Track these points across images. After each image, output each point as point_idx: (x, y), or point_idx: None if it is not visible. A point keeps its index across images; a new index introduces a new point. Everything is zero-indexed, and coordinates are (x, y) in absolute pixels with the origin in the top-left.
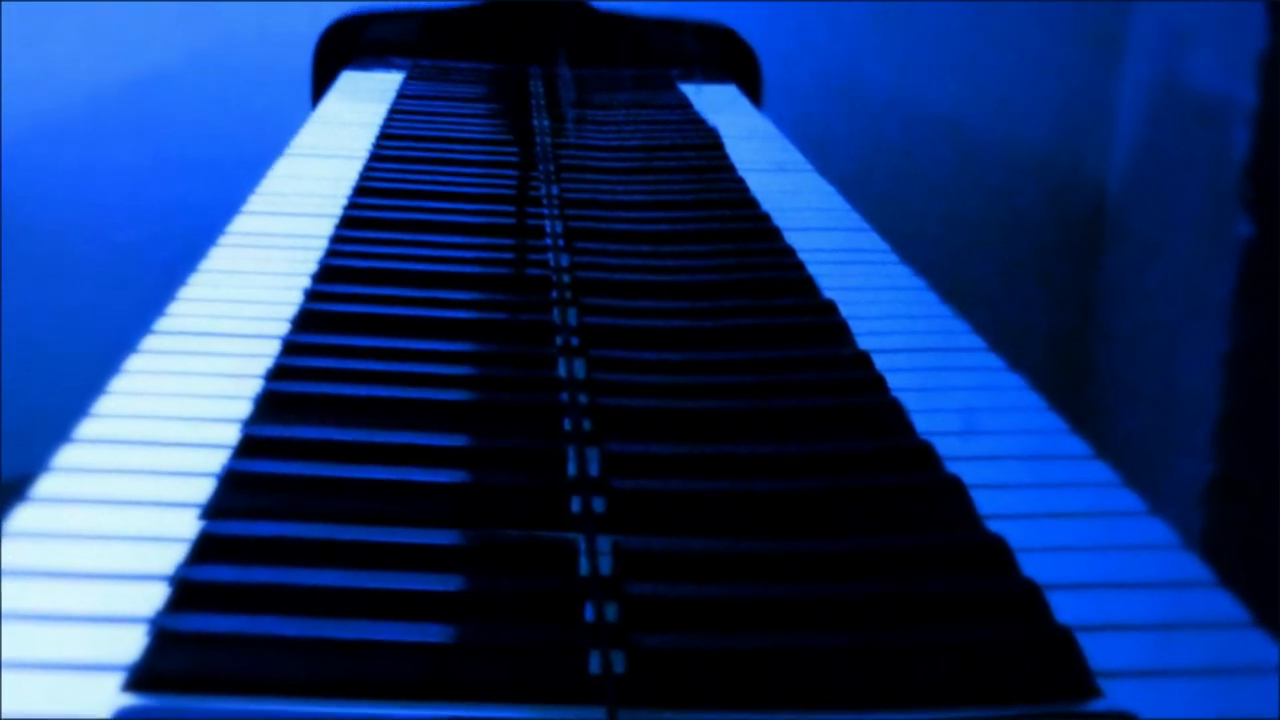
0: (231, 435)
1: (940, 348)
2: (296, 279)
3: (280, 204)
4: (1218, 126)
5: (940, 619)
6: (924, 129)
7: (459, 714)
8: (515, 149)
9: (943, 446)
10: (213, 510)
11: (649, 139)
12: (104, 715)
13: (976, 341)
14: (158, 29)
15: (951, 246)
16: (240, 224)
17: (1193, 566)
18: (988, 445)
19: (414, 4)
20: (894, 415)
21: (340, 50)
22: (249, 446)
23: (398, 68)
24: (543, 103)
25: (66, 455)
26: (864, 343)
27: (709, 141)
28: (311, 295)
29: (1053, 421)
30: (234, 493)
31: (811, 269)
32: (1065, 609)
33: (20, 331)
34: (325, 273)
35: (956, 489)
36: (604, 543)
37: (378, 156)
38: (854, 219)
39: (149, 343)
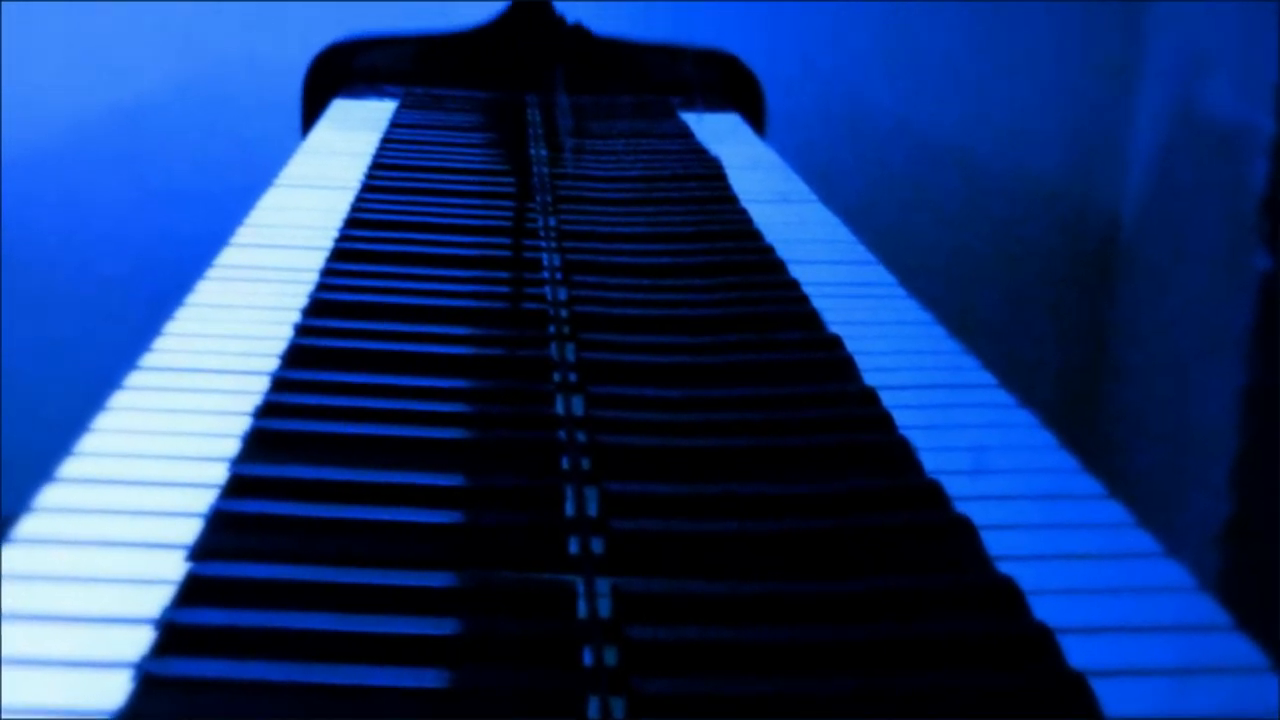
0: (219, 474)
1: (949, 384)
2: (286, 313)
3: (270, 236)
4: (1235, 156)
5: (949, 663)
6: (931, 158)
7: None
8: (511, 179)
9: (951, 486)
10: (200, 551)
11: (649, 169)
12: None
13: (986, 377)
14: (144, 57)
15: (960, 279)
16: (228, 256)
17: (1209, 609)
18: (998, 484)
19: (407, 30)
20: (901, 453)
21: (331, 78)
22: (237, 486)
23: (390, 96)
24: (540, 132)
25: (49, 495)
26: (870, 378)
27: (711, 171)
28: (301, 330)
29: (1064, 460)
30: (222, 533)
31: (816, 302)
32: (1078, 653)
33: (1, 366)
34: (316, 307)
35: (966, 529)
36: (603, 585)
37: (370, 187)
38: (860, 251)
39: (134, 379)
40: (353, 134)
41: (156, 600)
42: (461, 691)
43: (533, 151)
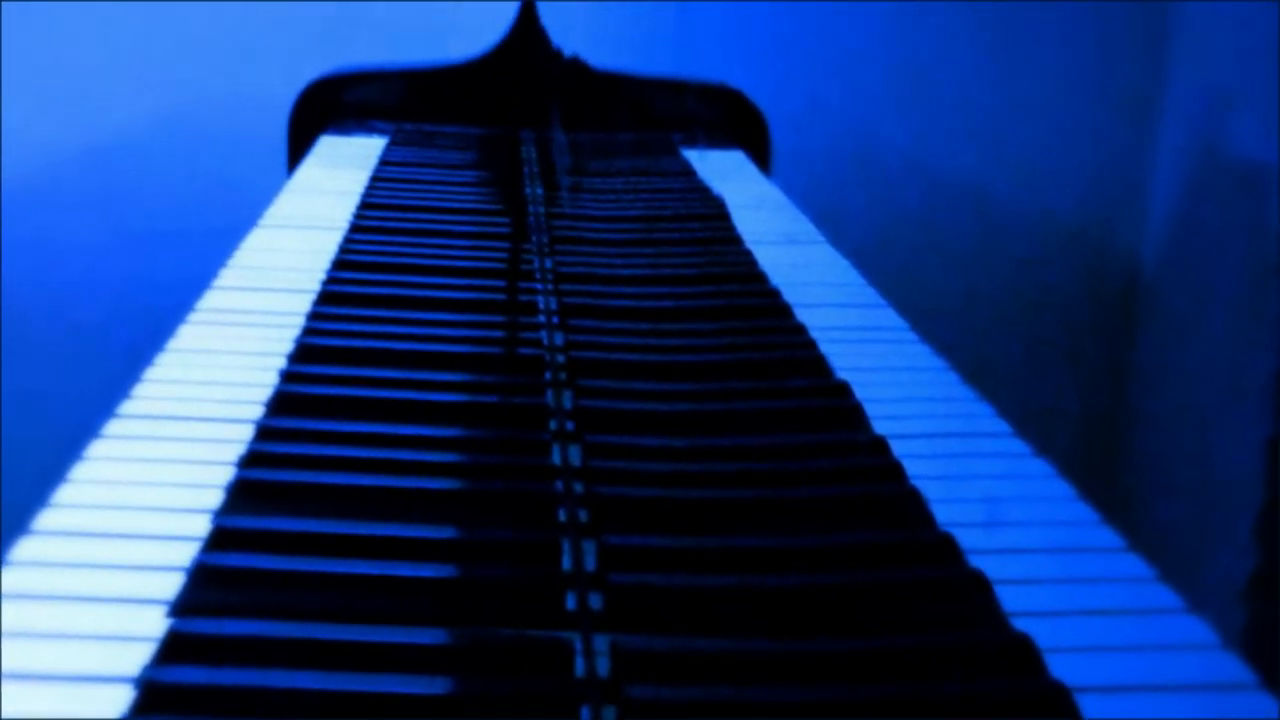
0: (202, 526)
1: (962, 432)
2: (271, 359)
3: (254, 278)
4: (1260, 196)
5: None
6: (945, 198)
7: None
8: (506, 219)
9: (965, 539)
10: (182, 607)
11: (649, 209)
12: None
13: (1001, 425)
14: (120, 91)
15: (975, 324)
16: (210, 300)
17: (1234, 667)
18: (1013, 537)
19: (397, 64)
20: (913, 505)
21: (318, 113)
22: (220, 538)
23: (380, 132)
24: (535, 170)
25: (25, 548)
26: (880, 427)
27: (714, 211)
28: (287, 376)
29: (1083, 512)
30: (205, 588)
31: (824, 348)
32: (1097, 713)
33: None
34: (302, 352)
35: (980, 584)
36: (601, 642)
37: (359, 227)
38: (870, 294)
39: (113, 427)
40: (340, 172)
41: (136, 658)
42: None
43: (528, 190)
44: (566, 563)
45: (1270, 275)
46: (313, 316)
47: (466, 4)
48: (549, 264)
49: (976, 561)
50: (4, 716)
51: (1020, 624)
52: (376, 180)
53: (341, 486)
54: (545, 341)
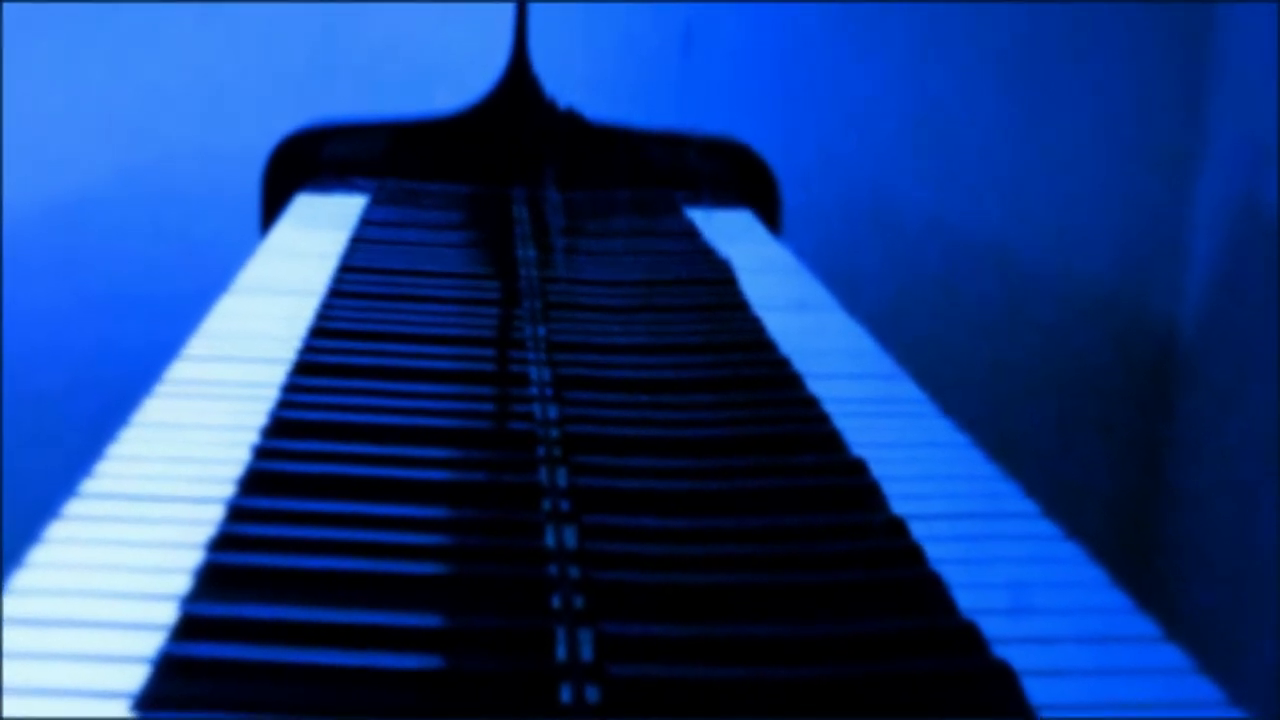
0: (169, 614)
1: (986, 513)
2: (244, 433)
3: (225, 347)
4: None
5: None
6: (967, 258)
7: None
8: (496, 284)
9: (989, 627)
10: (148, 700)
11: (650, 272)
12: None
13: (1028, 505)
14: (83, 145)
15: (999, 395)
16: (179, 370)
17: None
18: (1041, 625)
19: (379, 116)
20: (933, 591)
21: (294, 169)
22: (189, 627)
23: (361, 189)
24: (528, 230)
25: None
26: (898, 507)
27: (719, 275)
28: (261, 452)
29: (1116, 598)
30: (172, 680)
31: (837, 422)
32: None
33: None
34: (277, 426)
35: (1005, 676)
36: None
37: (338, 292)
38: (886, 364)
39: (73, 507)
40: (318, 232)
41: None
42: None
43: (520, 253)
44: (561, 653)
45: None
46: (288, 388)
47: (453, 52)
48: (542, 332)
49: (1001, 651)
50: None
51: (1049, 717)
52: (357, 241)
53: (319, 571)
54: (538, 415)
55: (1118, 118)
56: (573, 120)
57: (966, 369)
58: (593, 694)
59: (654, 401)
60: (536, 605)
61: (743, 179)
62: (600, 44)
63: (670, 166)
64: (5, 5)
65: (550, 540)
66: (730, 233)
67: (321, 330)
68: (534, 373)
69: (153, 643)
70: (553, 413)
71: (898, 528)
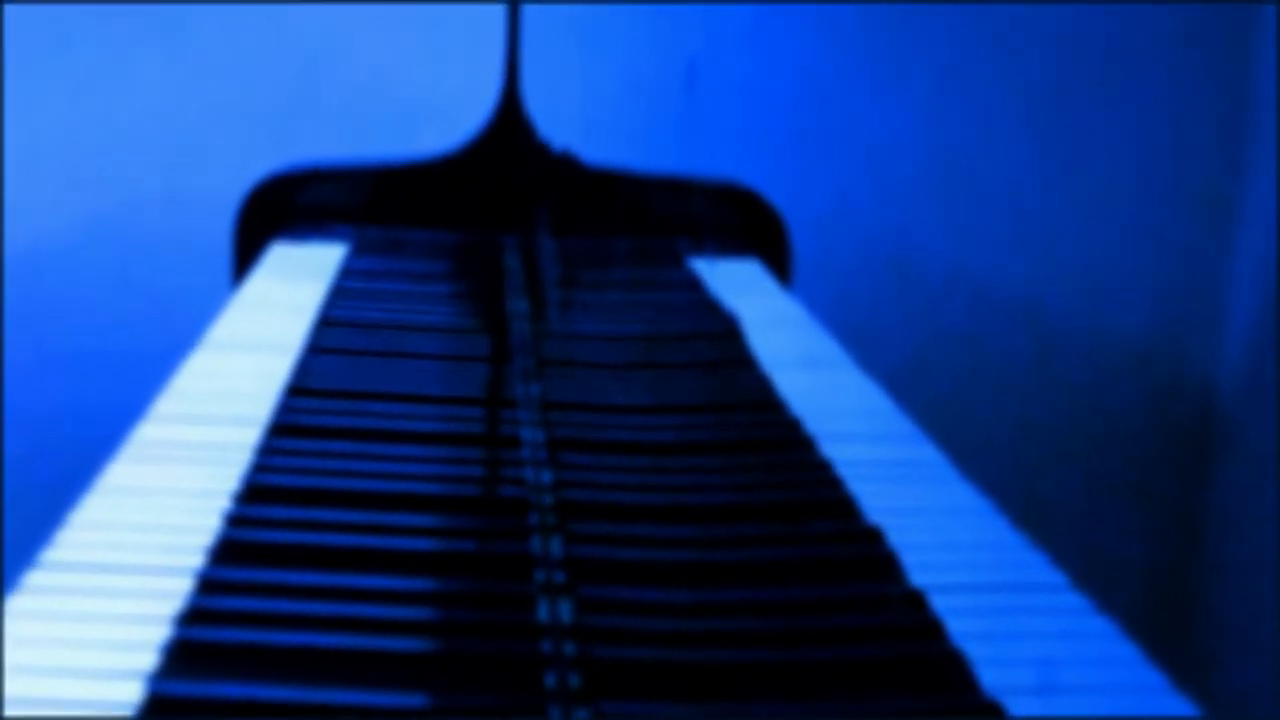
0: (135, 692)
1: (1012, 584)
2: (215, 499)
3: (195, 407)
4: None
5: None
6: (992, 313)
7: None
8: (485, 338)
9: (1015, 707)
10: None
11: (651, 326)
12: None
13: (1056, 577)
14: (43, 192)
15: (1027, 459)
16: (145, 431)
17: None
18: (1071, 705)
19: (360, 160)
20: (955, 668)
21: (269, 217)
22: (156, 707)
23: (340, 238)
24: (519, 281)
25: None
26: (917, 578)
27: (725, 330)
28: (233, 520)
29: (1151, 676)
30: None
31: (852, 486)
32: None
33: None
34: (251, 492)
35: None
36: None
37: (316, 348)
38: (905, 425)
39: (32, 579)
40: (295, 284)
41: None
42: None
43: (511, 305)
44: None
45: None
46: (263, 451)
47: (440, 90)
48: (535, 390)
49: None
50: None
51: None
52: (336, 293)
53: (295, 648)
54: (530, 480)
55: (1152, 164)
56: (568, 163)
57: (991, 431)
58: None
59: (655, 465)
60: (529, 685)
61: (750, 226)
62: (597, 82)
63: (672, 213)
64: None
65: (544, 614)
66: (737, 284)
67: (298, 389)
68: (526, 434)
69: None
70: (546, 477)
71: (917, 601)
